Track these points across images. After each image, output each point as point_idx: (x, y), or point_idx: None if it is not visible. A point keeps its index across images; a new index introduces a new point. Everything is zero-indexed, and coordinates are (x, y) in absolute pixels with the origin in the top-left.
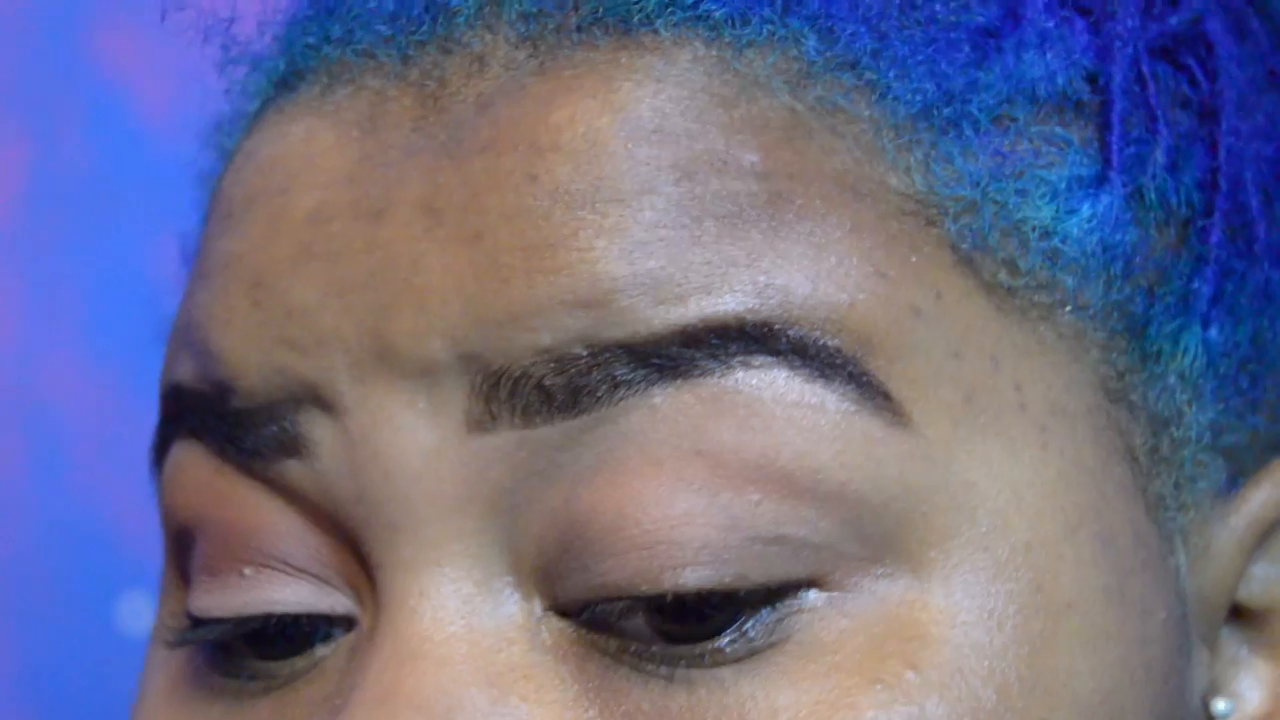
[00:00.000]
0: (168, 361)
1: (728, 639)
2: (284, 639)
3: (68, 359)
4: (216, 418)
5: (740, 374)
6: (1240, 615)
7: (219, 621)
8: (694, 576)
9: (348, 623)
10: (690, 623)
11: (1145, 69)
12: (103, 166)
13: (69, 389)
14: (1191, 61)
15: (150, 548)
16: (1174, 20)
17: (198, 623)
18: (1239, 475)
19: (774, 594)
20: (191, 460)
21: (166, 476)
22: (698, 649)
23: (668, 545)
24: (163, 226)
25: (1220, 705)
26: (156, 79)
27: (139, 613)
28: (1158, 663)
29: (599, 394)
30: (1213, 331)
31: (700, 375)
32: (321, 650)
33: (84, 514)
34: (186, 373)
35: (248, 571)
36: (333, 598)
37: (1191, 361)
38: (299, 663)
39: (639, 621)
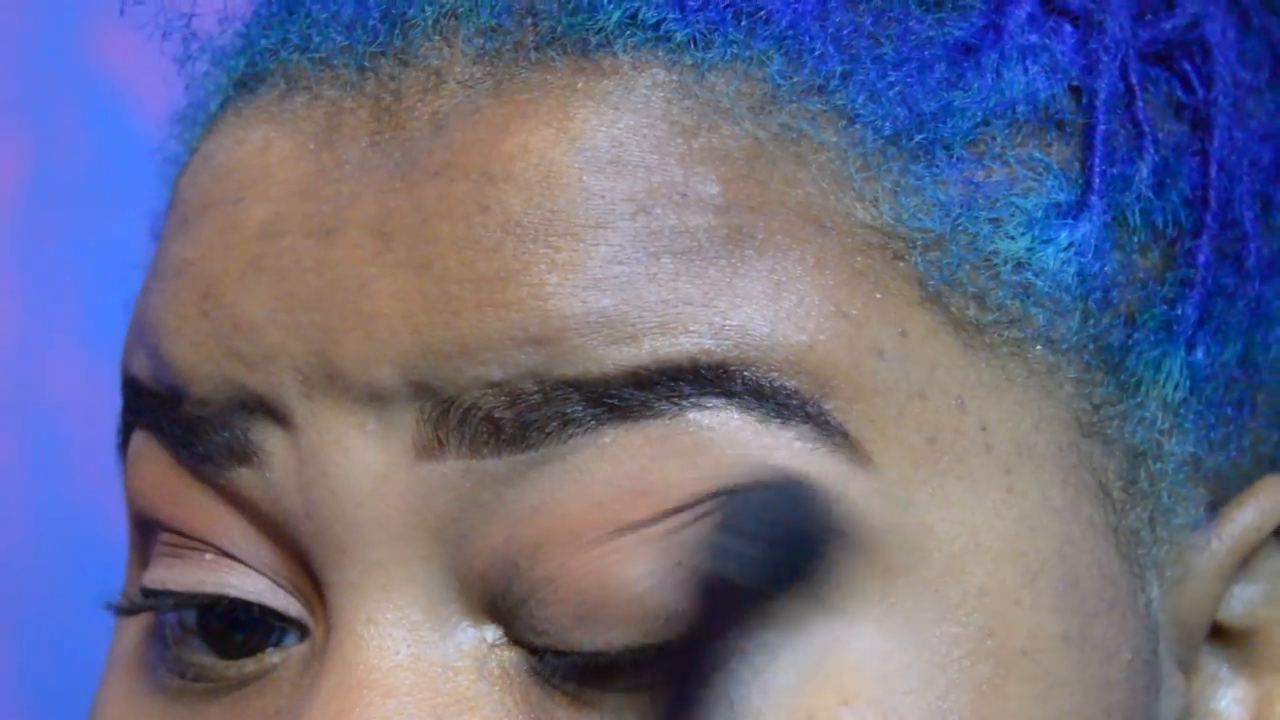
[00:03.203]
0: (126, 350)
1: (660, 673)
2: (238, 631)
3: (68, 359)
4: (170, 420)
5: (692, 414)
6: (1219, 634)
7: (171, 594)
8: (624, 638)
9: (300, 628)
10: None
11: (1135, 79)
12: (103, 166)
13: (69, 389)
14: (1187, 66)
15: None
16: (1168, 25)
17: (150, 594)
18: (1220, 501)
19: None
20: (150, 453)
21: (129, 462)
22: (632, 679)
23: (601, 597)
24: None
25: None
26: (156, 79)
27: None
28: (1119, 706)
29: (549, 430)
30: (1198, 354)
31: (652, 416)
32: (273, 656)
33: (84, 514)
34: (142, 370)
35: (208, 557)
36: (286, 600)
37: (1174, 389)
38: (249, 665)
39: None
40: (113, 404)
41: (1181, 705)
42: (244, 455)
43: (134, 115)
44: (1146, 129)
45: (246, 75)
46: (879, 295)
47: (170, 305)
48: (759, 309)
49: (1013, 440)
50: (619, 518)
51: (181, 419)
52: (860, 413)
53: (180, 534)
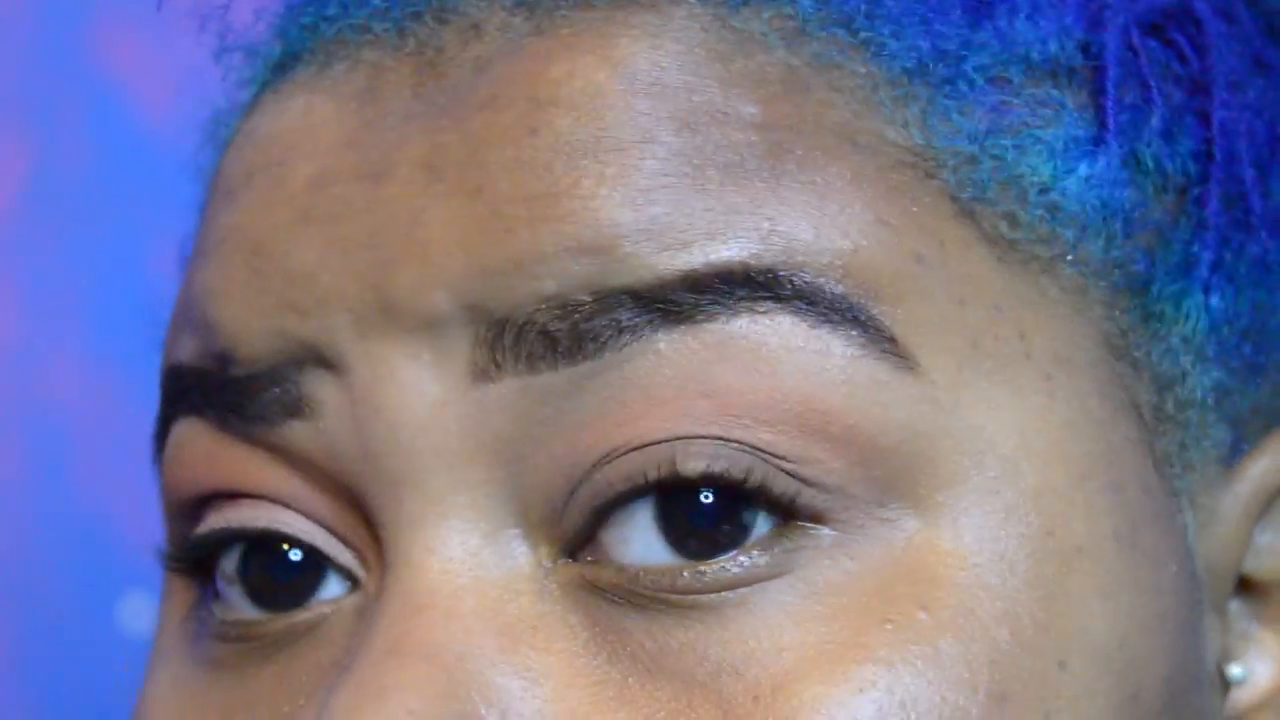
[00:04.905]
0: (167, 345)
1: (731, 556)
2: (285, 577)
3: (68, 359)
4: (217, 390)
5: (745, 320)
6: (1247, 588)
7: (222, 531)
8: (699, 464)
9: (350, 578)
10: (698, 532)
11: (1136, 41)
12: (103, 166)
13: (69, 389)
14: (1180, 38)
15: (150, 548)
16: None
17: (200, 540)
18: (1242, 443)
19: (782, 509)
20: (192, 437)
21: (168, 457)
22: (701, 565)
23: (672, 444)
24: (163, 226)
25: (1235, 670)
26: (156, 79)
27: (139, 613)
28: (1171, 613)
29: (603, 339)
30: (1214, 299)
31: (705, 320)
32: (323, 606)
33: (84, 514)
34: (186, 351)
35: (262, 504)
36: (338, 547)
37: (1194, 326)
38: (298, 615)
39: (646, 536)
40: (113, 404)
41: (1219, 647)
42: (295, 408)
43: (135, 116)
44: (1153, 84)
45: (284, 57)
46: (915, 208)
47: (218, 270)
48: (804, 216)
49: (1050, 350)
50: (682, 416)
51: (229, 383)
52: (904, 316)
53: (227, 505)
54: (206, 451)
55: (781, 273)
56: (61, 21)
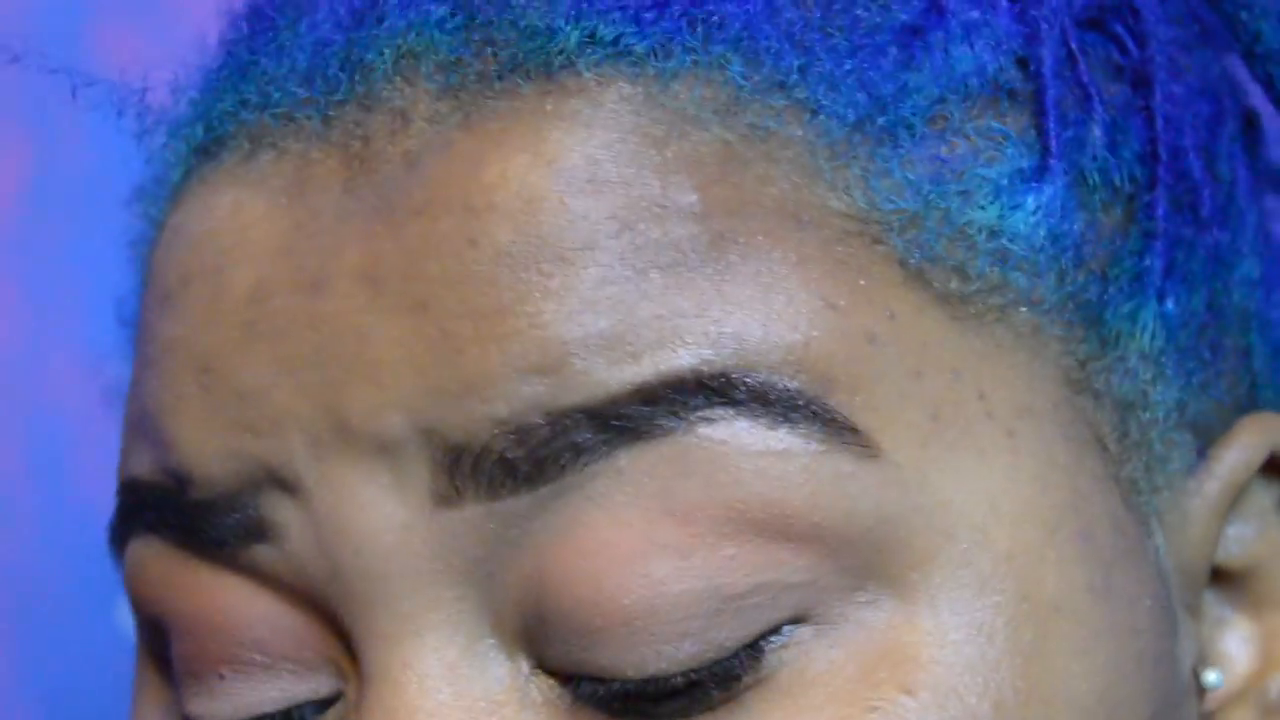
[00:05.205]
0: (124, 454)
1: (714, 685)
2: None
3: (68, 359)
4: (175, 510)
5: (702, 429)
6: (1220, 577)
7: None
8: (676, 660)
9: (334, 697)
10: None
11: (1074, 45)
12: (103, 166)
13: (69, 389)
14: (1120, 29)
15: None
16: None
17: None
18: (1207, 445)
19: (758, 640)
20: (152, 556)
21: (129, 571)
22: (685, 698)
23: (646, 623)
24: None
25: (1211, 677)
26: (160, 79)
27: None
28: (1148, 651)
29: (563, 462)
30: (1169, 304)
31: (662, 435)
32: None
33: (84, 514)
34: (143, 465)
35: (225, 673)
36: (315, 680)
37: (1151, 339)
38: None
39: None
40: (113, 404)
41: (1194, 651)
42: (258, 532)
43: (134, 115)
44: (1093, 91)
45: (207, 141)
46: (863, 281)
47: (168, 386)
48: (751, 313)
49: (1010, 404)
50: (648, 538)
51: (188, 505)
52: (862, 403)
53: (193, 637)
54: (168, 575)
55: (734, 375)
56: (61, 21)
